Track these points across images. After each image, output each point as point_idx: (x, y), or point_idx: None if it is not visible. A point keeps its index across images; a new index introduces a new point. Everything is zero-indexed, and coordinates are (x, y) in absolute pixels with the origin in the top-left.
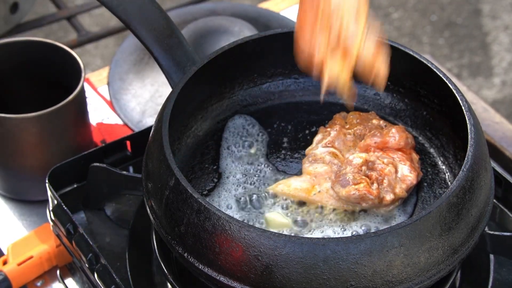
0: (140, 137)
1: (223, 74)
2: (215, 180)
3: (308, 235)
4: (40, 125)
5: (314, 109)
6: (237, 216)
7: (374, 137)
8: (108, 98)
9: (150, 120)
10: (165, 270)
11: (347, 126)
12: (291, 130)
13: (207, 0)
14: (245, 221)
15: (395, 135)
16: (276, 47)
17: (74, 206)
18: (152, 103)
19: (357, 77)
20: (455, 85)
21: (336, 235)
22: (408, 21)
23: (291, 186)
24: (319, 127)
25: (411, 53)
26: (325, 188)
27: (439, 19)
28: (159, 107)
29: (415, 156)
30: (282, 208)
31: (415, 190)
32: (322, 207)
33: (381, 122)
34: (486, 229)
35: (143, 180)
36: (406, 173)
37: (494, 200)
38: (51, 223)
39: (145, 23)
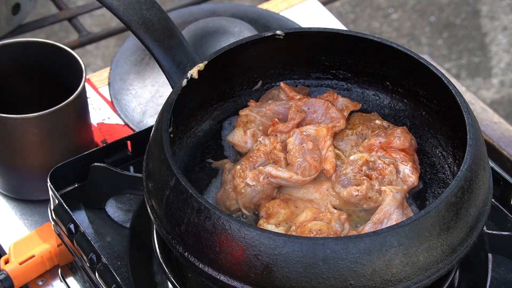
0: (141, 137)
1: (223, 75)
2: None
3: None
4: (41, 125)
5: None
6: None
7: (378, 137)
8: (109, 98)
9: (150, 120)
10: (166, 269)
11: (350, 127)
12: None
13: (208, 1)
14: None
15: (400, 135)
16: (275, 48)
17: (75, 206)
18: (153, 103)
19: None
20: (453, 86)
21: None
22: (407, 22)
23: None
24: None
25: (410, 53)
26: (327, 188)
27: (438, 20)
28: (160, 107)
29: (417, 158)
30: None
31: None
32: None
33: (384, 122)
34: (485, 228)
35: (144, 180)
36: (408, 173)
37: (493, 200)
38: (53, 223)
39: (145, 24)
